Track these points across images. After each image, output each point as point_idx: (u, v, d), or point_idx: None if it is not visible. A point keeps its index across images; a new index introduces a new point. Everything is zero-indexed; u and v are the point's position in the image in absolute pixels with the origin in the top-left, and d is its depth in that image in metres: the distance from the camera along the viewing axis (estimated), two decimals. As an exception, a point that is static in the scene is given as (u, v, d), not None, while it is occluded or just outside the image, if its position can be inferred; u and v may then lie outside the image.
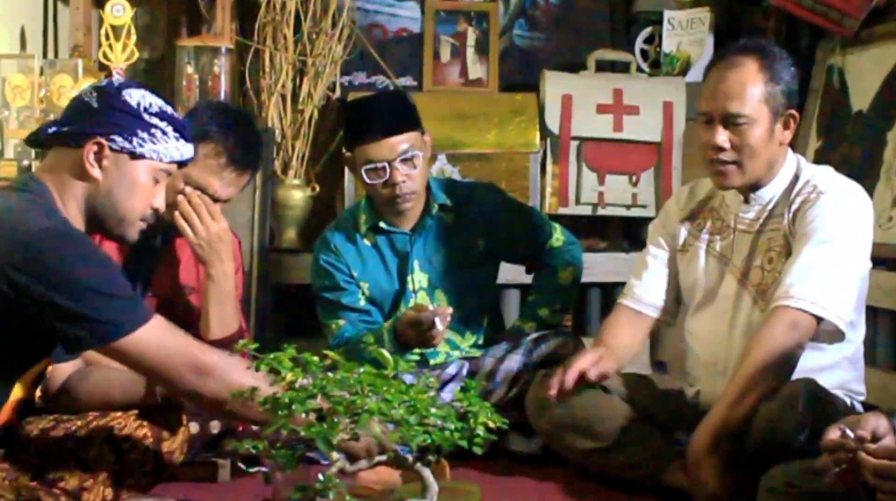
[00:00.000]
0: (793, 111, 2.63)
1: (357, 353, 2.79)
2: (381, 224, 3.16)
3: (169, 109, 2.26)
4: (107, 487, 2.33)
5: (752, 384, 2.43)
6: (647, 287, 2.87)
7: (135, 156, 2.21)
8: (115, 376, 2.39)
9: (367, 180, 3.06)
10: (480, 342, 3.25)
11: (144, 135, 2.21)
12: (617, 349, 2.83)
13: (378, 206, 3.15)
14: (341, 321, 3.16)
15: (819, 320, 2.48)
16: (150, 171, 2.24)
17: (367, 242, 3.19)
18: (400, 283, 3.19)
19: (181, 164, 2.31)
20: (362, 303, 3.18)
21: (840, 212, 2.56)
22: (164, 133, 2.23)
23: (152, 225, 2.31)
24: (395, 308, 3.19)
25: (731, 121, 2.58)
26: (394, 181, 3.03)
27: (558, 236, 3.30)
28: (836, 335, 2.55)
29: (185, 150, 2.28)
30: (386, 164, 3.03)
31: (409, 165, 3.05)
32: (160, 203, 2.28)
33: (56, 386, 2.42)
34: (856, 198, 2.61)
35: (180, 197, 2.75)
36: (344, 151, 3.16)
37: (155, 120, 2.22)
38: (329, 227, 3.27)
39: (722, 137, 2.59)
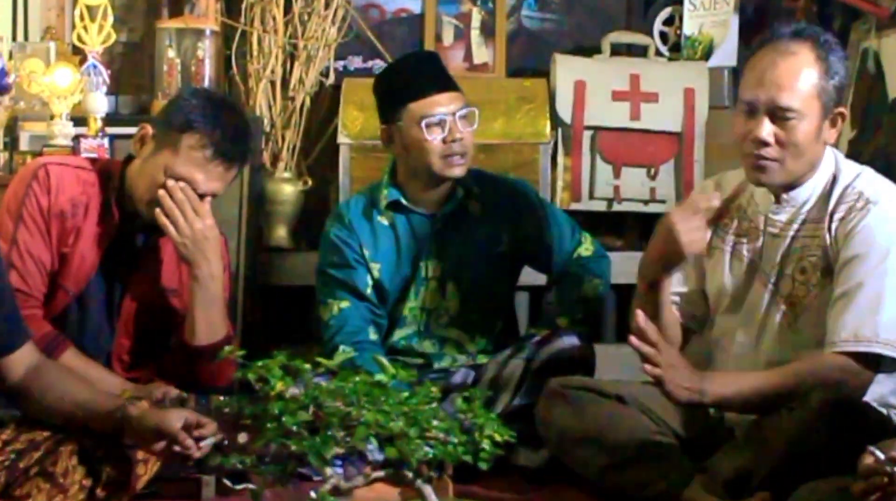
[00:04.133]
0: (842, 109, 2.60)
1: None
2: (403, 201, 3.17)
3: None
4: (78, 502, 2.33)
5: (790, 391, 2.46)
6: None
7: None
8: (71, 387, 2.40)
9: (426, 136, 3.09)
10: (490, 348, 3.25)
11: None
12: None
13: (414, 174, 3.15)
14: (344, 303, 3.15)
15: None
16: None
17: (384, 220, 3.21)
18: (412, 268, 3.20)
19: None
20: (369, 291, 3.18)
21: (894, 228, 2.55)
22: None
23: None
24: (403, 296, 3.21)
25: (778, 114, 2.52)
26: (454, 137, 3.10)
27: (588, 245, 3.32)
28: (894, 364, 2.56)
29: None
30: (447, 117, 3.10)
31: (466, 122, 3.15)
32: None
33: (14, 379, 2.38)
34: None
35: (162, 191, 2.72)
36: (381, 125, 3.19)
37: None
38: (345, 201, 3.30)
39: (767, 130, 2.53)
